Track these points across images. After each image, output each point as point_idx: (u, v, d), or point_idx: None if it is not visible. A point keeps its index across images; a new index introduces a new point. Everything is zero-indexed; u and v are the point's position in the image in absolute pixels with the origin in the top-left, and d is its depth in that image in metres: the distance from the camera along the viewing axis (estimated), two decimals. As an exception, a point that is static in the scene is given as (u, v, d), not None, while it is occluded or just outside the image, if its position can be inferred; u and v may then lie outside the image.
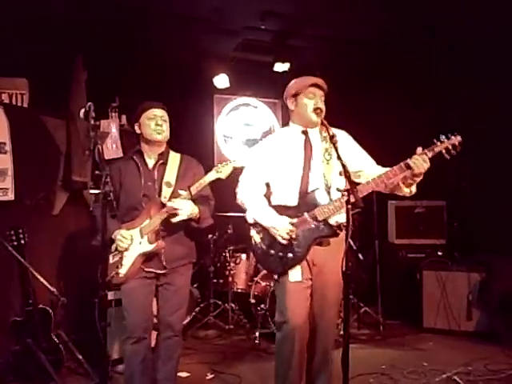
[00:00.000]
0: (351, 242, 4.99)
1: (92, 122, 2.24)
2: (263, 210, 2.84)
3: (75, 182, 4.52)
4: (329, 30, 5.22)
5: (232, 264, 5.31)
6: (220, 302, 5.38)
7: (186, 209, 2.93)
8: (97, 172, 2.09)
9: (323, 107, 2.85)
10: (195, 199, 3.02)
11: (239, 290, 5.31)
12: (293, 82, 2.96)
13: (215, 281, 5.43)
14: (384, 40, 5.25)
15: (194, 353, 4.59)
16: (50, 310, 3.84)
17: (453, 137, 2.64)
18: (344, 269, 2.37)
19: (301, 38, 5.43)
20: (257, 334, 4.77)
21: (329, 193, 2.78)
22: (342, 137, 2.92)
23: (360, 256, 5.36)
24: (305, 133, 2.92)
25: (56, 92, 4.58)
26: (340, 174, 2.47)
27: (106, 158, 4.51)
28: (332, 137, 2.57)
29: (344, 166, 2.42)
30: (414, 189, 2.75)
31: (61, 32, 4.67)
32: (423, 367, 4.07)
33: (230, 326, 5.24)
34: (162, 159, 3.20)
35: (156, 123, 3.18)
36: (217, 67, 5.82)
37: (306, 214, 2.75)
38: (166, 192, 3.07)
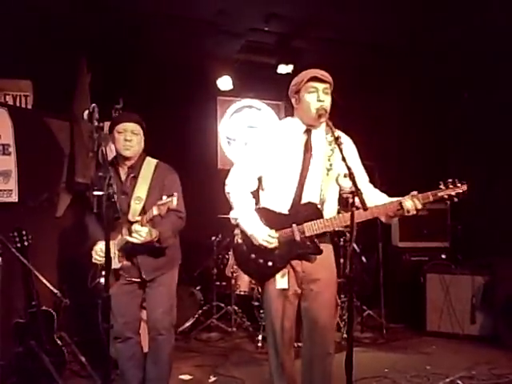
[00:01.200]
0: (355, 246, 5.05)
1: (96, 123, 2.23)
2: (248, 215, 2.73)
3: (79, 184, 4.52)
4: (332, 32, 5.22)
5: (235, 266, 5.30)
6: (223, 305, 5.37)
7: (141, 236, 2.92)
8: (100, 174, 2.08)
9: (327, 101, 2.71)
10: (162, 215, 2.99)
11: (242, 293, 5.29)
12: (295, 78, 2.83)
13: (218, 283, 5.42)
14: (388, 42, 5.25)
15: (196, 355, 4.59)
16: (53, 312, 3.84)
17: (459, 184, 2.62)
18: (347, 271, 2.35)
19: (304, 40, 5.43)
20: (259, 336, 4.76)
21: (322, 208, 2.71)
22: (348, 144, 2.82)
23: (363, 259, 5.36)
24: (308, 133, 2.79)
25: (60, 94, 4.59)
26: (345, 176, 2.42)
27: (110, 159, 4.51)
28: (337, 138, 2.49)
29: (349, 168, 2.36)
30: (395, 220, 2.76)
31: (65, 34, 4.67)
32: (426, 371, 4.06)
33: (232, 329, 5.23)
34: (133, 172, 3.19)
35: (125, 138, 3.13)
36: (220, 69, 5.82)
37: (294, 226, 2.67)
38: (136, 208, 3.09)
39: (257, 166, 2.81)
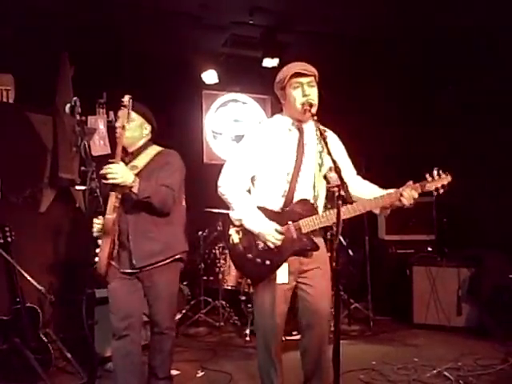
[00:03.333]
0: (341, 239, 5.06)
1: (78, 117, 2.19)
2: (252, 214, 2.68)
3: (62, 179, 4.47)
4: (318, 25, 5.20)
5: (222, 261, 5.28)
6: (210, 300, 5.36)
7: (116, 173, 2.74)
8: (83, 168, 2.05)
9: (313, 94, 2.69)
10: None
11: (229, 287, 5.28)
12: (278, 74, 2.79)
13: (205, 278, 5.41)
14: (374, 35, 5.24)
15: (184, 350, 4.56)
16: (38, 309, 3.80)
17: (443, 175, 2.65)
18: (334, 265, 2.34)
19: (290, 33, 5.41)
20: (247, 331, 4.76)
21: (316, 205, 2.70)
22: (334, 140, 2.82)
23: (350, 252, 5.37)
24: (300, 130, 2.77)
25: (42, 88, 4.53)
26: (330, 170, 2.42)
27: (94, 154, 4.47)
28: (321, 133, 2.48)
29: (334, 162, 2.35)
30: (388, 212, 2.76)
31: (47, 28, 4.61)
32: (414, 363, 4.06)
33: (220, 323, 5.22)
34: (132, 159, 3.13)
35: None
36: (205, 63, 5.78)
37: (290, 224, 2.65)
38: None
39: (248, 165, 2.76)
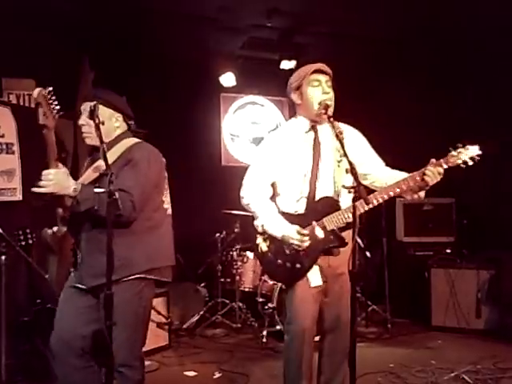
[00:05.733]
0: (359, 240, 5.04)
1: (97, 121, 2.23)
2: (273, 219, 2.70)
3: (82, 182, 4.52)
4: (335, 26, 5.20)
5: (239, 263, 5.30)
6: (227, 301, 5.37)
7: (49, 180, 2.29)
8: (101, 171, 2.07)
9: (331, 94, 2.70)
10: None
11: (247, 289, 5.30)
12: (293, 75, 2.83)
13: (223, 280, 5.42)
14: (391, 37, 5.23)
15: (201, 351, 4.60)
16: (58, 310, 3.84)
17: (470, 147, 2.53)
18: (351, 267, 2.34)
19: (307, 35, 5.42)
20: (264, 332, 4.76)
21: (338, 200, 2.68)
22: (354, 135, 2.82)
23: (368, 254, 5.35)
24: (314, 130, 2.77)
25: (63, 92, 4.58)
26: (347, 172, 2.42)
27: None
28: (337, 135, 2.47)
29: (351, 163, 2.34)
30: (422, 194, 2.66)
31: (68, 33, 4.68)
32: (432, 366, 4.04)
33: (237, 325, 5.23)
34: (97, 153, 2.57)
35: (81, 123, 2.61)
36: (223, 66, 5.82)
37: (314, 223, 2.64)
38: (88, 177, 2.56)
39: (268, 173, 2.78)
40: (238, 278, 5.27)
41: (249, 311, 5.34)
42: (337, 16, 4.90)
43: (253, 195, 2.77)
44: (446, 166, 2.54)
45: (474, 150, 2.53)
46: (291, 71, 5.45)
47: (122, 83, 5.04)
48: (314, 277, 2.68)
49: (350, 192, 2.34)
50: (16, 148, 4.14)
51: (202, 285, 5.47)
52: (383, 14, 4.80)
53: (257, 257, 2.90)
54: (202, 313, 5.25)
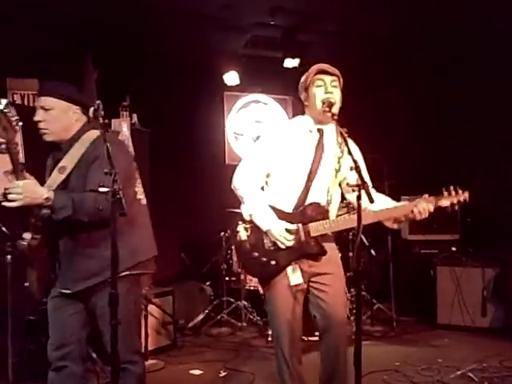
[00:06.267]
0: (363, 238, 5.04)
1: (101, 120, 2.22)
2: (263, 211, 2.68)
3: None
4: (338, 24, 5.20)
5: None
6: (233, 300, 5.38)
7: (18, 194, 2.19)
8: (105, 170, 2.06)
9: (336, 94, 2.68)
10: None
11: (252, 288, 5.30)
12: (303, 76, 2.80)
13: (227, 278, 5.43)
14: (395, 35, 5.21)
15: (207, 350, 4.62)
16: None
17: (460, 191, 2.62)
18: (355, 265, 2.33)
19: (310, 33, 5.41)
20: (269, 331, 4.75)
21: (328, 209, 2.68)
22: (354, 149, 2.75)
23: (372, 252, 5.34)
24: (320, 132, 2.75)
25: (67, 92, 4.60)
26: (351, 169, 2.40)
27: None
28: (341, 132, 2.47)
29: (355, 162, 2.33)
30: (401, 225, 2.75)
31: (71, 32, 4.69)
32: (437, 364, 4.04)
33: (242, 324, 5.24)
34: (62, 152, 2.52)
35: (37, 119, 2.46)
36: (226, 64, 5.82)
37: (300, 226, 2.64)
38: (55, 178, 2.43)
39: (264, 162, 2.77)
40: (242, 276, 5.27)
41: (254, 310, 5.35)
42: (340, 14, 4.89)
43: (245, 181, 2.75)
44: (435, 205, 2.59)
45: (463, 196, 2.62)
46: (295, 69, 5.53)
47: (125, 82, 5.08)
48: (294, 275, 2.66)
49: (353, 190, 2.33)
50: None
51: (207, 284, 5.48)
52: (388, 12, 4.78)
53: (234, 244, 2.88)
54: (207, 312, 5.26)
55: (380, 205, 2.65)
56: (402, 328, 5.12)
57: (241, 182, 2.76)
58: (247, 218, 2.73)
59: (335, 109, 2.66)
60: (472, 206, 5.48)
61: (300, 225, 2.64)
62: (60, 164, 2.44)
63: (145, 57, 5.35)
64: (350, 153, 2.39)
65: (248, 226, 2.74)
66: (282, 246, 2.62)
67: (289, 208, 2.70)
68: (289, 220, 2.65)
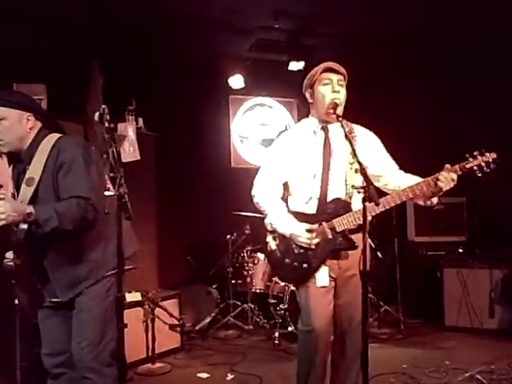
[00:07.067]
0: (369, 241, 5.03)
1: (106, 124, 2.23)
2: (282, 217, 2.73)
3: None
4: (343, 27, 5.19)
5: (250, 264, 5.31)
6: (239, 303, 5.38)
7: (5, 211, 2.15)
8: (112, 174, 2.08)
9: (342, 93, 2.70)
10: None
11: (258, 291, 5.31)
12: (308, 74, 2.82)
13: (234, 281, 5.43)
14: (400, 38, 5.20)
15: (213, 353, 4.62)
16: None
17: (487, 153, 2.54)
18: (362, 267, 2.33)
19: (315, 36, 5.41)
20: (276, 334, 4.76)
21: (349, 202, 2.68)
22: (367, 136, 2.82)
23: (379, 254, 5.33)
24: (325, 130, 2.77)
25: (73, 97, 4.63)
26: (356, 172, 2.41)
27: (124, 160, 4.53)
28: (346, 134, 2.48)
29: (360, 163, 2.34)
30: (435, 200, 2.66)
31: (77, 37, 4.71)
32: (445, 366, 4.02)
33: (249, 327, 5.24)
34: (25, 159, 2.46)
35: None
36: (231, 68, 5.83)
37: (324, 224, 2.65)
38: (26, 193, 2.37)
39: (280, 172, 2.81)
40: (249, 279, 5.27)
41: (261, 313, 5.34)
42: (345, 16, 4.89)
43: (263, 194, 2.80)
44: (460, 173, 2.54)
45: (490, 156, 2.54)
46: (299, 72, 5.54)
47: (130, 86, 5.10)
48: (322, 277, 2.68)
49: (359, 192, 2.33)
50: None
51: (214, 286, 5.48)
52: (393, 15, 4.77)
53: (265, 255, 2.92)
54: (213, 314, 5.26)
55: (405, 184, 2.64)
56: (409, 330, 5.10)
57: (260, 197, 2.82)
58: (269, 227, 2.78)
59: (339, 110, 2.67)
60: (479, 207, 5.48)
61: (324, 222, 2.66)
62: (26, 176, 2.39)
63: (150, 61, 5.37)
64: (354, 154, 2.40)
65: (275, 235, 2.79)
66: (306, 247, 2.63)
67: (313, 210, 2.72)
68: (313, 221, 2.68)
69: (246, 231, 5.40)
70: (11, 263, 2.32)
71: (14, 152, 2.45)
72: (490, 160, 2.53)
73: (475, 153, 2.56)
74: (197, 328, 5.12)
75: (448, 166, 2.56)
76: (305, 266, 2.67)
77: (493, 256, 5.13)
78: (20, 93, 2.53)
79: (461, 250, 5.45)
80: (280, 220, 2.73)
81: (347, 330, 2.74)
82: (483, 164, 2.53)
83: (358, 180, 2.62)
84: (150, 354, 4.21)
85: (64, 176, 2.35)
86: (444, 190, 2.54)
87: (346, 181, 2.71)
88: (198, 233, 5.98)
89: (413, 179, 2.70)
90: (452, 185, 2.53)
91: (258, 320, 5.32)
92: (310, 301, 2.70)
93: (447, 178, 2.52)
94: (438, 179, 2.53)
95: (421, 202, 2.70)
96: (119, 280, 2.08)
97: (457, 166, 2.55)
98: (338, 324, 2.77)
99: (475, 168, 2.53)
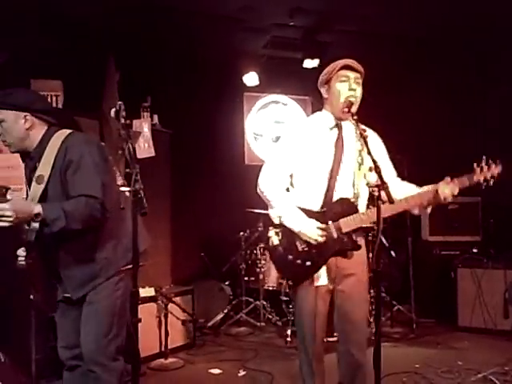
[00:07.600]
0: (383, 239, 5.01)
1: (122, 121, 2.24)
2: (292, 212, 2.67)
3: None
4: (358, 24, 5.17)
5: (263, 261, 5.31)
6: (252, 300, 5.40)
7: (8, 217, 2.14)
8: (127, 170, 2.09)
9: (358, 91, 2.67)
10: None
11: (270, 288, 5.31)
12: (325, 69, 2.77)
13: (246, 278, 5.45)
14: (416, 34, 5.17)
15: (226, 350, 4.64)
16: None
17: (493, 166, 2.56)
18: (375, 266, 2.32)
19: (330, 33, 5.41)
20: (288, 331, 4.76)
21: (356, 203, 2.67)
22: (374, 140, 2.78)
23: (392, 253, 5.31)
24: (339, 127, 2.74)
25: (90, 93, 4.67)
26: (370, 170, 2.39)
27: (139, 157, 4.55)
28: (361, 133, 2.47)
29: (375, 162, 2.33)
30: (429, 210, 2.67)
31: (93, 34, 4.75)
32: (458, 366, 4.00)
33: (261, 324, 5.25)
34: (35, 157, 2.46)
35: None
36: (246, 65, 5.84)
37: (330, 223, 2.63)
38: (36, 191, 2.39)
39: (288, 164, 2.76)
40: (261, 276, 5.28)
41: (273, 310, 5.36)
42: (360, 13, 4.87)
43: (270, 184, 2.74)
44: (468, 184, 2.57)
45: (496, 169, 2.57)
46: (314, 70, 5.53)
47: (146, 83, 5.12)
48: (321, 276, 2.66)
49: (373, 191, 2.32)
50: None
51: (226, 283, 5.51)
52: (408, 11, 4.75)
53: (267, 250, 2.87)
54: (226, 311, 5.28)
55: (406, 194, 2.65)
56: (421, 330, 5.07)
57: (266, 186, 2.75)
58: (276, 221, 2.72)
59: (354, 108, 2.65)
60: (493, 207, 5.43)
61: (330, 222, 2.64)
62: (36, 173, 2.40)
63: (166, 58, 5.40)
64: (369, 152, 2.39)
65: (278, 230, 2.74)
66: (315, 243, 2.61)
67: (316, 207, 2.69)
68: (318, 219, 2.64)
69: (259, 228, 5.41)
70: (23, 262, 2.34)
71: (22, 151, 2.49)
72: (496, 174, 2.57)
73: (482, 163, 2.57)
74: (209, 324, 5.15)
75: (448, 178, 2.58)
76: (308, 263, 2.64)
77: (507, 256, 5.08)
78: (19, 92, 2.48)
79: (475, 250, 5.41)
80: (290, 214, 2.67)
81: (346, 330, 2.72)
82: (488, 177, 2.56)
83: (369, 177, 2.61)
84: (162, 349, 4.25)
85: (72, 174, 2.35)
86: (441, 203, 2.57)
87: (354, 181, 2.69)
88: (212, 229, 6.00)
89: (410, 188, 2.72)
90: (450, 198, 2.55)
91: (270, 317, 5.33)
92: (307, 299, 2.68)
93: (449, 192, 2.54)
94: (436, 191, 2.55)
95: (416, 211, 2.72)
96: (134, 275, 2.08)
97: (465, 178, 2.58)
98: (336, 324, 2.76)
99: (481, 181, 2.57)
